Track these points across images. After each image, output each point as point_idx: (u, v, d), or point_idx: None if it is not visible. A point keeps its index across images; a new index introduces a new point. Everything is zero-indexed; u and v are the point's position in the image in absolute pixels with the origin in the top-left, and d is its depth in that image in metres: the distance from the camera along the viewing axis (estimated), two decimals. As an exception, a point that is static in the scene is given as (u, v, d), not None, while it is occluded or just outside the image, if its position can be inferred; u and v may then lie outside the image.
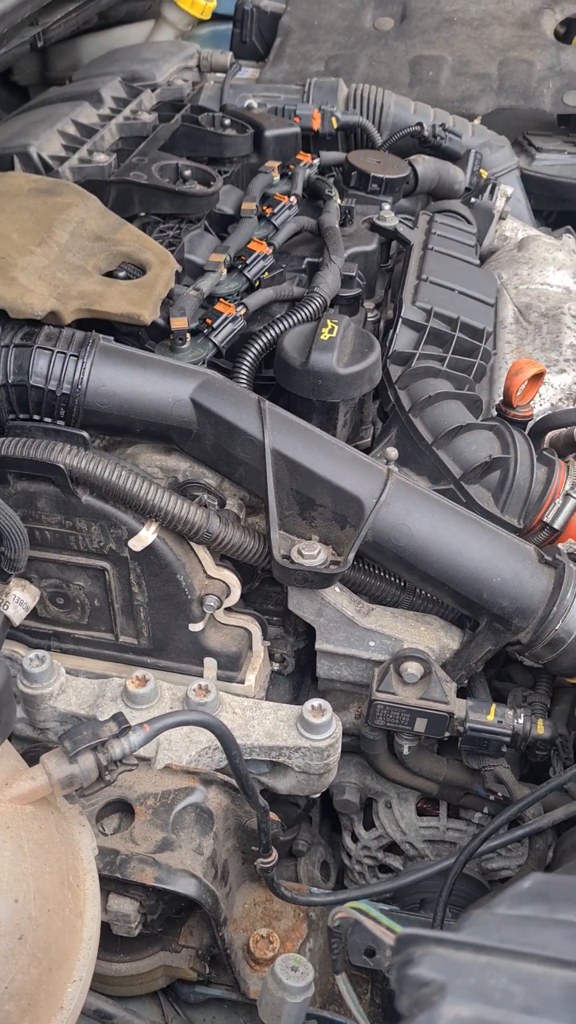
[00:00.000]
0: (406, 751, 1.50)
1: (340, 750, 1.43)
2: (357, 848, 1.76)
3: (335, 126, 2.35)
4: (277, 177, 2.06)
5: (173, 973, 1.38)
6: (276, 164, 2.07)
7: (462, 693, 1.56)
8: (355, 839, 1.76)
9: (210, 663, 1.49)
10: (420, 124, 2.27)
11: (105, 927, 1.29)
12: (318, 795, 1.52)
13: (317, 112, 2.33)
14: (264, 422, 1.38)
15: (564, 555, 1.41)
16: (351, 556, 1.36)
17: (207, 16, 2.82)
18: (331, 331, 1.53)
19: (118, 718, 1.03)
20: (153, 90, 2.29)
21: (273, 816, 1.40)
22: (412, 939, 0.66)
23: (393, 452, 1.54)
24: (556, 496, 1.53)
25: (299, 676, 1.63)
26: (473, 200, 2.18)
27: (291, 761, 1.41)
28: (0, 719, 0.98)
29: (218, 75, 2.63)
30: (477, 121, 2.60)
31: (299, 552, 1.37)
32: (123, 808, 1.32)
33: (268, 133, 2.14)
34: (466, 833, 1.65)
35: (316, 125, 2.34)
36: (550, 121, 2.90)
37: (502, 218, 2.22)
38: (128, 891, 1.26)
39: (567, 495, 1.53)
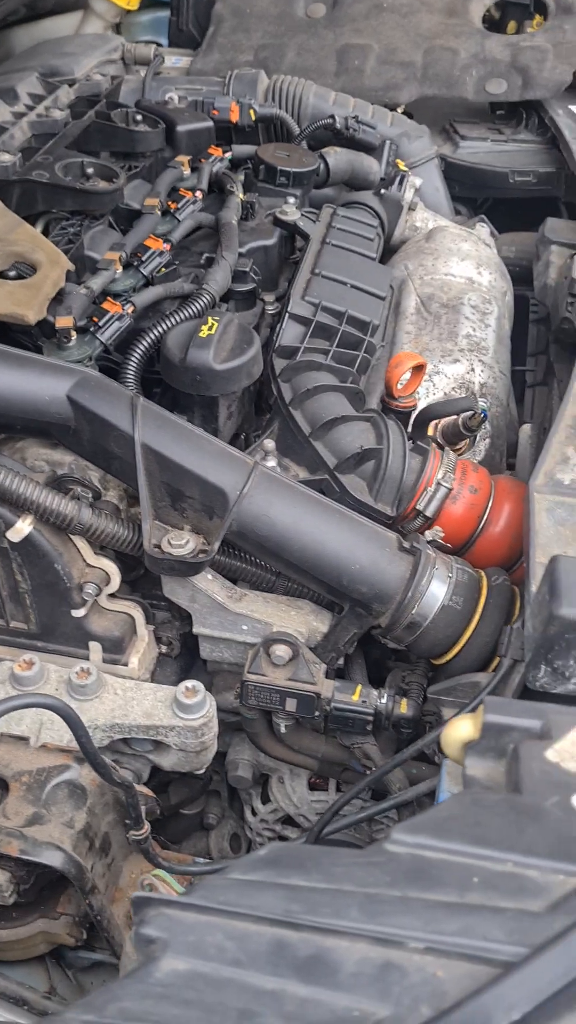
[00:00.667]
0: (283, 729, 1.58)
1: (216, 729, 1.51)
2: (256, 821, 1.84)
3: (253, 118, 2.39)
4: (187, 171, 2.11)
5: (52, 939, 1.46)
6: (186, 159, 2.12)
7: (341, 674, 1.65)
8: (254, 812, 1.84)
9: (95, 647, 1.56)
10: (332, 117, 2.32)
11: (-19, 896, 1.38)
12: (201, 770, 1.59)
13: (235, 105, 2.38)
14: (135, 418, 1.44)
15: (423, 542, 1.48)
16: (216, 545, 1.43)
17: (134, 6, 2.85)
18: (210, 328, 1.59)
19: (-41, 703, 1.10)
20: (71, 85, 2.33)
21: (145, 791, 1.48)
22: (145, 901, 0.74)
23: (270, 444, 1.60)
24: (429, 485, 1.60)
25: (189, 658, 1.70)
26: (383, 192, 2.23)
27: (168, 740, 1.49)
28: None
29: (148, 67, 2.66)
30: (400, 110, 2.64)
31: (168, 542, 1.44)
32: (-1, 785, 1.40)
33: (180, 128, 2.18)
34: (353, 806, 1.73)
35: (234, 117, 2.38)
36: (481, 108, 2.95)
37: (411, 209, 2.27)
38: (0, 862, 1.34)
39: (439, 484, 1.59)
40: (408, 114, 2.84)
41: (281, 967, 0.70)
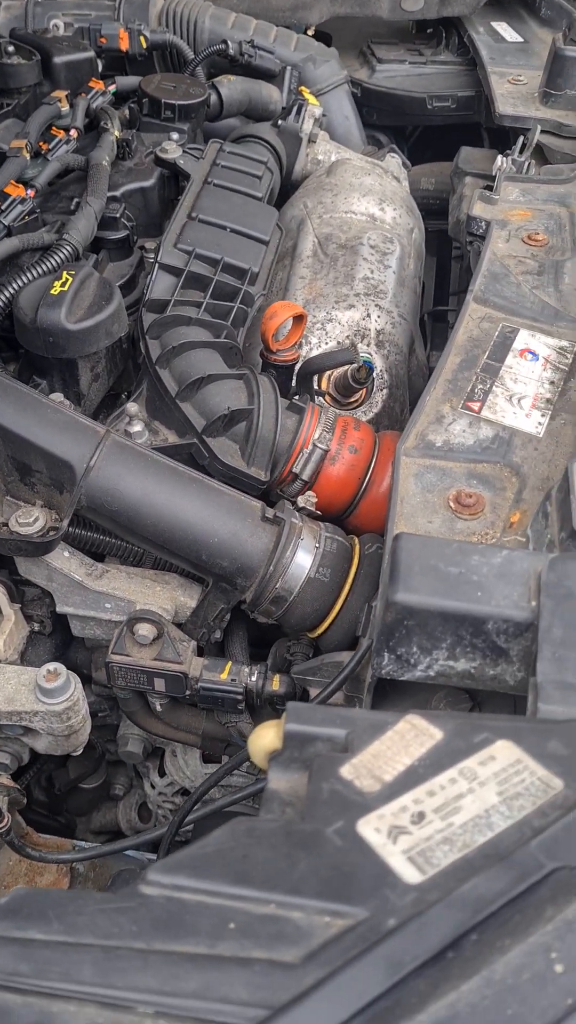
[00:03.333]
0: (159, 707, 1.51)
1: (84, 711, 1.43)
2: (155, 794, 1.78)
3: (145, 46, 2.23)
4: (65, 108, 1.96)
5: None
6: (63, 93, 1.97)
7: (220, 649, 1.57)
8: (152, 786, 1.78)
9: (-45, 630, 1.48)
10: (225, 42, 2.16)
11: None
12: (77, 752, 1.52)
13: (124, 31, 2.21)
14: (-26, 388, 1.34)
15: (289, 511, 1.39)
16: (66, 523, 1.34)
17: None
18: (64, 284, 1.48)
19: None
20: None
21: (6, 781, 1.42)
22: None
23: (134, 407, 1.50)
24: (305, 446, 1.50)
25: (65, 634, 1.62)
26: (280, 123, 2.08)
27: (34, 725, 1.41)
28: None
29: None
30: (310, 32, 2.47)
31: (16, 520, 1.35)
32: None
33: (57, 59, 2.03)
34: (250, 777, 1.67)
35: (124, 46, 2.22)
36: (404, 28, 2.77)
37: (312, 141, 2.12)
38: None
39: (315, 445, 1.50)
40: (327, 36, 2.67)
41: (-4, 1039, 0.62)
